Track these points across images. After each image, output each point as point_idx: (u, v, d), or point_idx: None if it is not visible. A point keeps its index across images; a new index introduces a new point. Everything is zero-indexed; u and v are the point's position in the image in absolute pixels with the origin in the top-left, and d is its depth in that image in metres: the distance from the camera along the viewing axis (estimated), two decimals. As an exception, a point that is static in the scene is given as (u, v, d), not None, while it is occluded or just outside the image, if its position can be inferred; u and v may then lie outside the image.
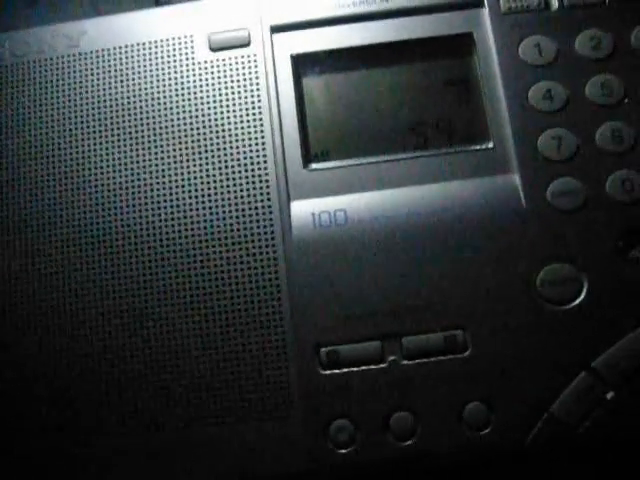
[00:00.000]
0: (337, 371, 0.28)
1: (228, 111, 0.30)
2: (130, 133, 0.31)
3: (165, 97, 0.31)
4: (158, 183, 0.30)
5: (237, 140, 0.30)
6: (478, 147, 0.30)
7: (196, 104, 0.31)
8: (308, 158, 0.30)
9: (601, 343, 0.28)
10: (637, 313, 0.28)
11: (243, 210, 0.29)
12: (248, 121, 0.30)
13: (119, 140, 0.31)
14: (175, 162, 0.30)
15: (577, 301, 0.28)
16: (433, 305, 0.28)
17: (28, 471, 0.28)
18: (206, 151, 0.30)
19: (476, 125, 0.30)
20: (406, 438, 0.27)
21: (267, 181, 0.30)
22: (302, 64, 0.31)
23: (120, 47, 0.32)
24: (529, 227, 0.29)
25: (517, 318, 0.28)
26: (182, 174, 0.30)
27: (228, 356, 0.28)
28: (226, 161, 0.30)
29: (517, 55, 0.30)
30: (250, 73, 0.31)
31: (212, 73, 0.31)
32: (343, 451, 0.27)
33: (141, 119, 0.31)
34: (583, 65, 0.30)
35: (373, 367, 0.28)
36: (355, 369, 0.28)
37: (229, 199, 0.30)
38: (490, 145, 0.30)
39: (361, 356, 0.28)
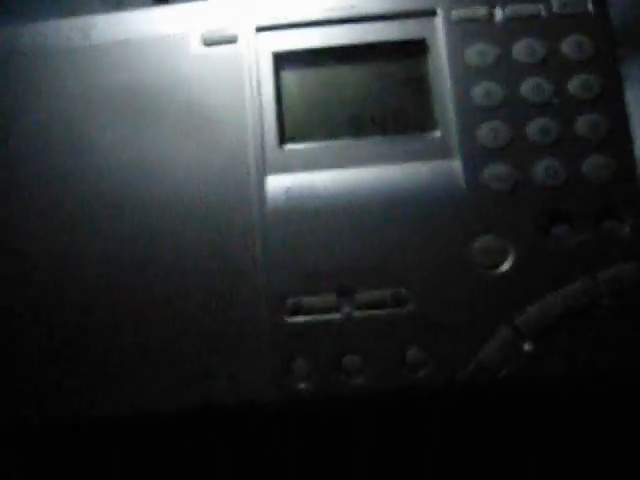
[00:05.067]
0: (300, 318, 0.33)
1: (217, 98, 0.35)
2: (132, 117, 0.35)
3: (163, 85, 0.36)
4: (155, 160, 0.35)
5: (222, 122, 0.35)
6: (428, 135, 0.35)
7: (190, 91, 0.35)
8: (283, 139, 0.35)
9: (522, 303, 0.32)
10: (554, 279, 0.32)
11: (226, 181, 0.34)
12: (233, 107, 0.35)
13: (123, 123, 0.35)
14: (171, 140, 0.35)
15: (504, 267, 0.33)
16: (383, 267, 0.33)
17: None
18: (196, 131, 0.35)
19: (427, 117, 0.35)
20: (355, 376, 0.32)
21: (246, 158, 0.34)
22: (281, 60, 0.36)
23: (126, 41, 0.37)
24: (467, 204, 0.33)
25: (453, 279, 0.33)
26: (175, 150, 0.35)
27: (207, 303, 0.33)
28: (213, 139, 0.35)
29: (463, 59, 0.35)
30: (237, 66, 0.35)
31: (204, 65, 0.36)
32: (302, 385, 0.33)
33: (142, 105, 0.35)
34: (519, 69, 0.34)
35: (330, 316, 0.33)
36: (315, 317, 0.33)
37: (212, 173, 0.34)
38: (438, 134, 0.34)
39: (320, 306, 0.33)
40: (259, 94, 0.35)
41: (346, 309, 0.33)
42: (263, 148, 0.35)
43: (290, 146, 0.35)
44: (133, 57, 0.36)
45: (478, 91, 0.34)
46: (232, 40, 0.36)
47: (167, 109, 0.35)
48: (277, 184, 0.34)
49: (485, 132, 0.34)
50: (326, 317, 0.33)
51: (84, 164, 0.35)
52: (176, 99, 0.36)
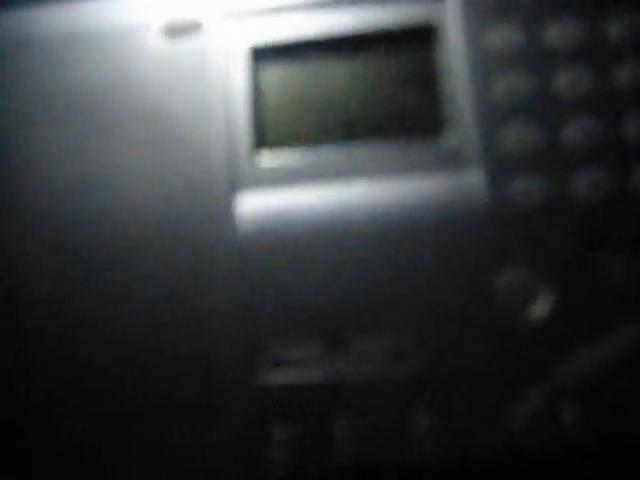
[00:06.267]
0: (278, 374, 0.26)
1: (180, 98, 0.29)
2: (81, 122, 0.30)
3: (118, 84, 0.30)
4: (106, 172, 0.29)
5: (186, 128, 0.29)
6: (439, 140, 0.28)
7: (149, 91, 0.30)
8: (259, 146, 0.29)
9: (561, 354, 0.26)
10: (601, 321, 0.26)
11: (190, 199, 0.28)
12: (200, 108, 0.29)
13: (71, 128, 0.30)
14: (126, 148, 0.29)
15: (537, 308, 0.26)
16: (383, 310, 0.27)
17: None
18: (156, 139, 0.29)
19: (437, 117, 0.29)
20: (346, 450, 0.26)
21: (214, 169, 0.28)
22: (259, 53, 0.30)
23: (76, 33, 0.31)
24: (489, 227, 0.27)
25: (471, 325, 0.26)
26: (131, 161, 0.29)
27: (166, 354, 0.27)
28: (175, 148, 0.29)
29: (482, 44, 0.28)
30: (204, 60, 0.30)
31: (166, 60, 0.30)
32: (279, 461, 0.26)
33: (93, 108, 0.30)
34: (552, 57, 0.28)
35: (316, 372, 0.26)
36: (297, 373, 0.26)
37: (175, 188, 0.28)
38: (452, 139, 0.28)
39: (304, 359, 0.26)
40: (232, 93, 0.29)
41: (336, 363, 0.27)
42: (234, 158, 0.28)
43: (268, 154, 0.29)
44: (84, 52, 0.31)
45: (502, 84, 0.28)
46: (198, 29, 0.30)
47: (122, 112, 0.30)
48: (251, 202, 0.28)
49: (512, 135, 0.28)
50: (311, 373, 0.26)
51: (24, 175, 0.30)
52: (133, 101, 0.30)
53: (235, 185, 0.28)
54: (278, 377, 0.26)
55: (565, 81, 0.28)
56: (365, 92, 0.29)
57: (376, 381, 0.26)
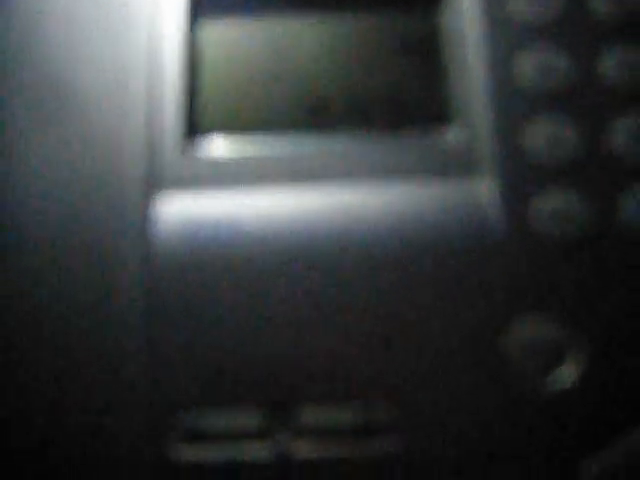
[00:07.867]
0: (197, 450, 0.20)
1: (87, 55, 0.24)
2: None
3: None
4: None
5: (94, 101, 0.23)
6: (438, 135, 0.24)
7: (48, 43, 0.24)
8: (192, 132, 0.23)
9: (594, 437, 0.21)
10: None
11: (96, 196, 0.22)
12: (115, 71, 0.23)
13: None
14: (16, 120, 0.23)
15: (565, 377, 0.21)
16: (347, 364, 0.21)
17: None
18: (55, 110, 0.23)
19: (437, 105, 0.24)
20: None
21: (128, 160, 0.22)
22: (199, 3, 0.25)
23: None
24: (502, 258, 0.22)
25: (475, 392, 0.21)
26: (20, 138, 0.23)
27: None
28: (78, 124, 0.23)
29: (504, 7, 0.24)
30: (124, 7, 0.24)
31: (71, 5, 0.24)
32: None
33: None
34: (600, 30, 0.23)
35: (251, 448, 0.20)
36: (224, 449, 0.20)
37: (75, 179, 0.22)
38: (455, 134, 0.23)
39: (234, 430, 0.21)
40: (159, 56, 0.24)
41: (279, 437, 0.21)
42: (156, 147, 0.23)
43: (203, 144, 0.23)
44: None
45: (528, 63, 0.24)
46: None
47: (12, 71, 0.24)
48: (173, 212, 0.22)
49: (538, 136, 0.23)
50: (243, 450, 0.20)
51: None
52: (25, 56, 0.24)
53: (155, 182, 0.23)
54: (196, 452, 0.20)
55: (614, 63, 0.23)
56: (344, 64, 0.24)
57: (334, 466, 0.20)
